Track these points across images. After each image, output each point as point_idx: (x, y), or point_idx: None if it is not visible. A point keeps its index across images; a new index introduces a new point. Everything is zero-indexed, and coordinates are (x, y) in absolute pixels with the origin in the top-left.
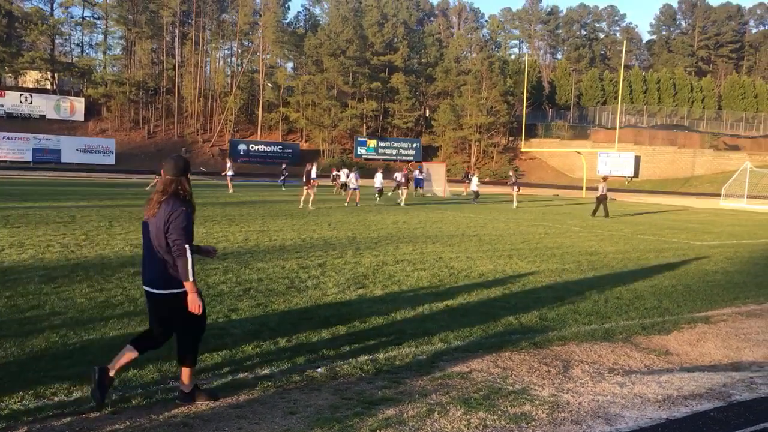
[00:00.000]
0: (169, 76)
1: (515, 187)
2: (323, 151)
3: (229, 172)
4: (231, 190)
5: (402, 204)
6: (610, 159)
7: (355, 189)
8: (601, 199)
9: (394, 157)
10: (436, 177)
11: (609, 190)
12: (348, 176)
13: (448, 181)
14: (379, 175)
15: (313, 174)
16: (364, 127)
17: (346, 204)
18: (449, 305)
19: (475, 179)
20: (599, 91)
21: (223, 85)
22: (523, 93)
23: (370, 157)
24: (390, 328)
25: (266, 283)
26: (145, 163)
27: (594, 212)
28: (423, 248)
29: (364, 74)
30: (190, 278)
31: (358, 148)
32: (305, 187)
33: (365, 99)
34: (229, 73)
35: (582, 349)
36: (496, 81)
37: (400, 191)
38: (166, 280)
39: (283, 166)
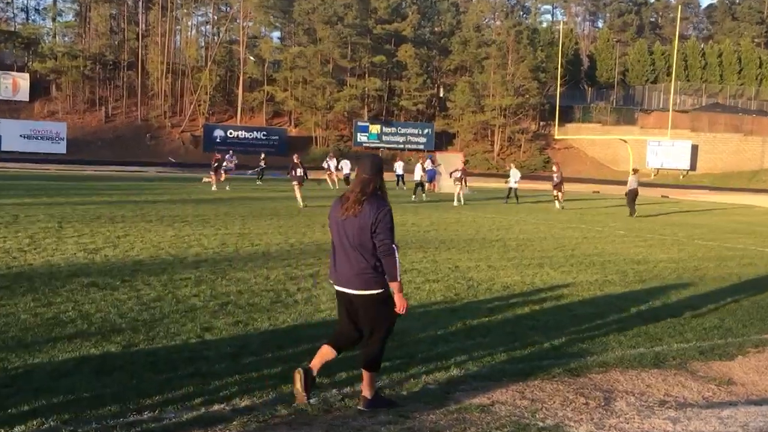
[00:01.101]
0: (131, 47)
1: (561, 186)
2: (316, 139)
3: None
4: (215, 186)
5: (454, 203)
6: (662, 148)
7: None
8: (632, 195)
9: (402, 146)
10: (452, 170)
11: (660, 186)
12: (338, 166)
13: (468, 174)
14: (418, 167)
15: (299, 171)
16: (366, 109)
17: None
18: (467, 324)
19: (515, 173)
20: (648, 67)
21: (196, 58)
22: (556, 69)
23: (372, 145)
24: (396, 351)
25: (247, 296)
26: (103, 152)
27: (632, 213)
28: (436, 255)
29: (366, 46)
30: (398, 278)
31: (358, 134)
32: (294, 183)
33: (367, 76)
34: (203, 44)
35: (627, 377)
36: (524, 54)
37: (431, 187)
38: (366, 281)
39: (262, 155)
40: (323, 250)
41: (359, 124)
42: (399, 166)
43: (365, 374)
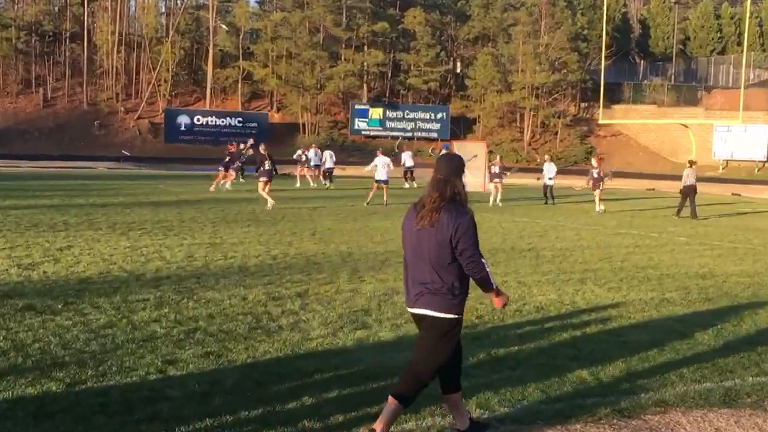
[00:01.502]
0: (74, 15)
1: (600, 184)
2: (303, 126)
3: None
4: (228, 185)
5: (490, 203)
6: (732, 135)
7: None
8: (688, 192)
9: (410, 134)
10: (471, 164)
11: (730, 181)
12: (318, 157)
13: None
14: (406, 156)
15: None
16: (365, 89)
17: (365, 203)
18: (492, 354)
19: (550, 167)
20: (714, 35)
21: (155, 28)
22: (600, 38)
23: (373, 133)
24: None
25: (220, 321)
26: (40, 144)
27: (678, 211)
28: None
29: (365, 11)
30: (493, 286)
31: (356, 120)
32: (261, 180)
33: (366, 48)
34: (163, 10)
35: (691, 418)
36: (561, 20)
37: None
38: (439, 302)
39: (250, 142)
40: (314, 264)
41: (357, 107)
42: (408, 157)
43: (452, 395)
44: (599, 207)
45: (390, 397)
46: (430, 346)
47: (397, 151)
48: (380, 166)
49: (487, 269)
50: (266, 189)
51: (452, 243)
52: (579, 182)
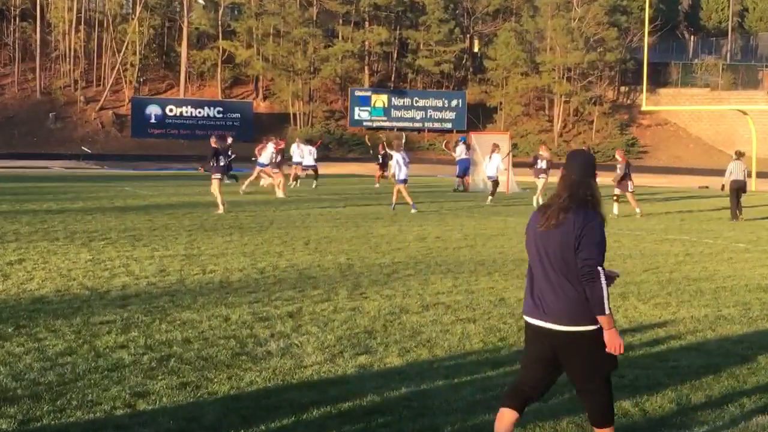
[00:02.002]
0: None
1: (626, 183)
2: (294, 116)
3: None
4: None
5: (534, 203)
6: None
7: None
8: (736, 189)
9: (420, 124)
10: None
11: None
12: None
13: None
14: (496, 157)
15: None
16: (366, 72)
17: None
18: None
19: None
20: None
21: (120, 3)
22: (642, 10)
23: (377, 123)
24: (415, 424)
25: (198, 346)
26: None
27: (733, 213)
28: (471, 283)
29: None
30: (606, 311)
31: (356, 109)
32: (214, 177)
33: (367, 24)
34: None
35: None
36: None
37: (464, 182)
38: (575, 314)
39: (229, 140)
40: (308, 278)
41: (357, 94)
42: (494, 163)
43: None
44: (615, 210)
45: (598, 430)
46: (581, 363)
47: (369, 144)
48: (494, 163)
49: (603, 284)
50: (218, 188)
51: (575, 243)
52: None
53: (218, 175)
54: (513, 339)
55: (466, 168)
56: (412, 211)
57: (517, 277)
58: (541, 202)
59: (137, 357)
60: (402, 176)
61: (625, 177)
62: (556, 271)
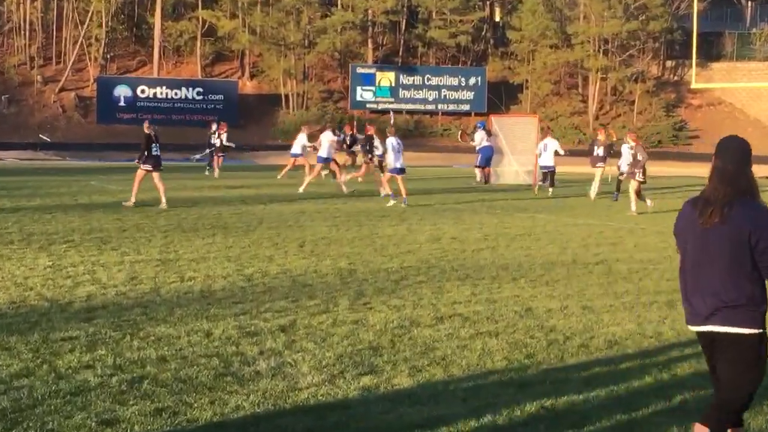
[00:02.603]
0: None
1: (638, 170)
2: (286, 98)
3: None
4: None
5: (591, 194)
6: None
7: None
8: None
9: (433, 107)
10: (514, 145)
11: None
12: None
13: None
14: (552, 143)
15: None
16: (370, 46)
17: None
18: (549, 406)
19: (626, 151)
20: None
21: None
22: None
23: (382, 105)
24: None
25: (175, 366)
26: None
27: None
28: (493, 291)
29: None
30: None
31: (358, 89)
32: (144, 168)
33: None
34: None
35: None
36: None
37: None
38: (735, 315)
39: (213, 127)
40: (303, 286)
41: (360, 71)
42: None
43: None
44: (634, 206)
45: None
46: (735, 370)
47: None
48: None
49: None
50: (159, 182)
51: (752, 241)
52: (680, 170)
53: (148, 167)
54: (542, 356)
55: (488, 157)
56: (403, 204)
57: (547, 284)
58: (596, 193)
59: (105, 379)
60: (398, 165)
61: (637, 164)
62: (721, 269)
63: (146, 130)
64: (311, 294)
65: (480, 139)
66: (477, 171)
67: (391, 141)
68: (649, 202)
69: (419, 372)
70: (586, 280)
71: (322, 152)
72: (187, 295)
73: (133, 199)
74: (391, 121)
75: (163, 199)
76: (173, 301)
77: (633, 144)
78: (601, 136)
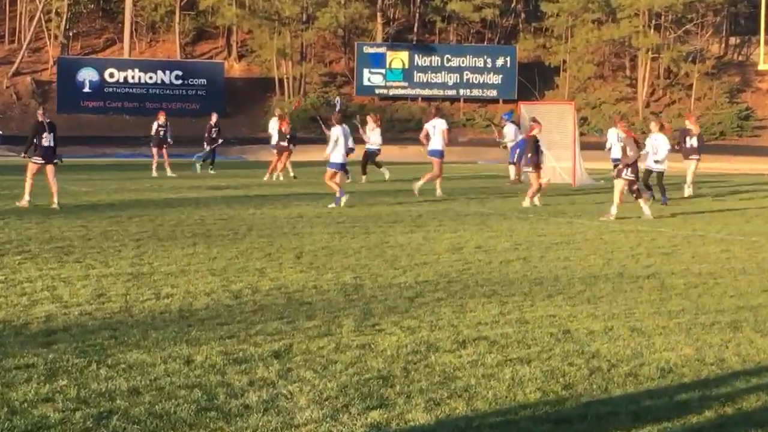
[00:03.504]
0: None
1: (624, 167)
2: (280, 82)
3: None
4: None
5: (687, 190)
6: None
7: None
8: None
9: (453, 92)
10: (549, 137)
11: None
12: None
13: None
14: (661, 140)
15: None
16: (379, 21)
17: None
18: None
19: (612, 136)
20: None
21: None
22: None
23: (395, 91)
24: None
25: (150, 399)
26: None
27: None
28: (524, 310)
29: None
30: None
31: (365, 72)
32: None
33: None
34: None
35: None
36: None
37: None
38: None
39: (213, 119)
40: (300, 304)
41: (367, 51)
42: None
43: None
44: (615, 209)
45: None
46: None
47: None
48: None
49: None
50: (53, 183)
51: None
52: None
53: (39, 159)
54: (582, 386)
55: (523, 150)
56: (335, 204)
57: (588, 302)
58: (691, 192)
59: (67, 414)
60: (339, 159)
61: (693, 150)
62: None
63: (39, 118)
64: (310, 314)
65: (511, 133)
66: (511, 169)
67: (338, 131)
68: (646, 210)
69: (438, 406)
70: (635, 297)
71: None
72: (164, 316)
73: (26, 197)
74: (338, 108)
75: (56, 199)
76: (147, 322)
77: (623, 135)
78: (691, 125)
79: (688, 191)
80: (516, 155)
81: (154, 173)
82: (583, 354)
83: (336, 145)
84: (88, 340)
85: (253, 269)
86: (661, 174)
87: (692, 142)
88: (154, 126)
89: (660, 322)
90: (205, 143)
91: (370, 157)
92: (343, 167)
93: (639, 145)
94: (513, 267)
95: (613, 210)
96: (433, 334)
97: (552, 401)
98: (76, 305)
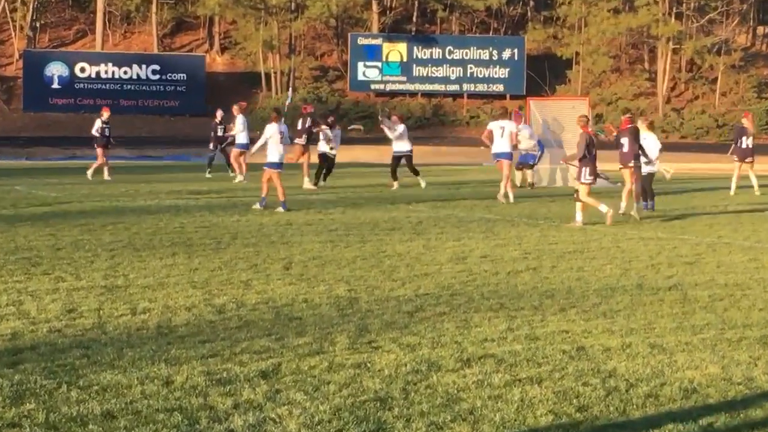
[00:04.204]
0: None
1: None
2: (267, 77)
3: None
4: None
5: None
6: None
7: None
8: None
9: (456, 87)
10: (560, 136)
11: None
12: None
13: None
14: (650, 137)
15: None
16: (375, 11)
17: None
18: None
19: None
20: None
21: None
22: None
23: (392, 86)
24: None
25: (126, 424)
26: None
27: None
28: (534, 324)
29: None
30: None
31: (359, 66)
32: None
33: None
34: None
35: None
36: None
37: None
38: None
39: (218, 116)
40: (290, 319)
41: (362, 42)
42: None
43: None
44: (581, 216)
45: None
46: None
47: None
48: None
49: None
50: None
51: None
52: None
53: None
54: (598, 408)
55: (530, 156)
56: (257, 205)
57: (604, 316)
58: (759, 193)
59: None
60: (276, 158)
61: (745, 151)
62: None
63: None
64: (300, 330)
65: (529, 134)
66: (527, 172)
67: (273, 128)
68: (578, 216)
69: (440, 430)
70: (655, 311)
71: (241, 138)
72: (141, 333)
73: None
74: (288, 101)
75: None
76: (122, 339)
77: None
78: (747, 123)
79: (758, 192)
80: (538, 157)
81: (90, 176)
82: (599, 373)
83: (268, 144)
84: (58, 359)
85: (237, 281)
86: (651, 176)
87: (748, 142)
88: (97, 123)
89: (683, 338)
90: (210, 144)
91: (405, 160)
92: (280, 166)
93: (618, 143)
94: (522, 278)
95: (579, 217)
96: (435, 351)
97: (565, 425)
98: (44, 321)
